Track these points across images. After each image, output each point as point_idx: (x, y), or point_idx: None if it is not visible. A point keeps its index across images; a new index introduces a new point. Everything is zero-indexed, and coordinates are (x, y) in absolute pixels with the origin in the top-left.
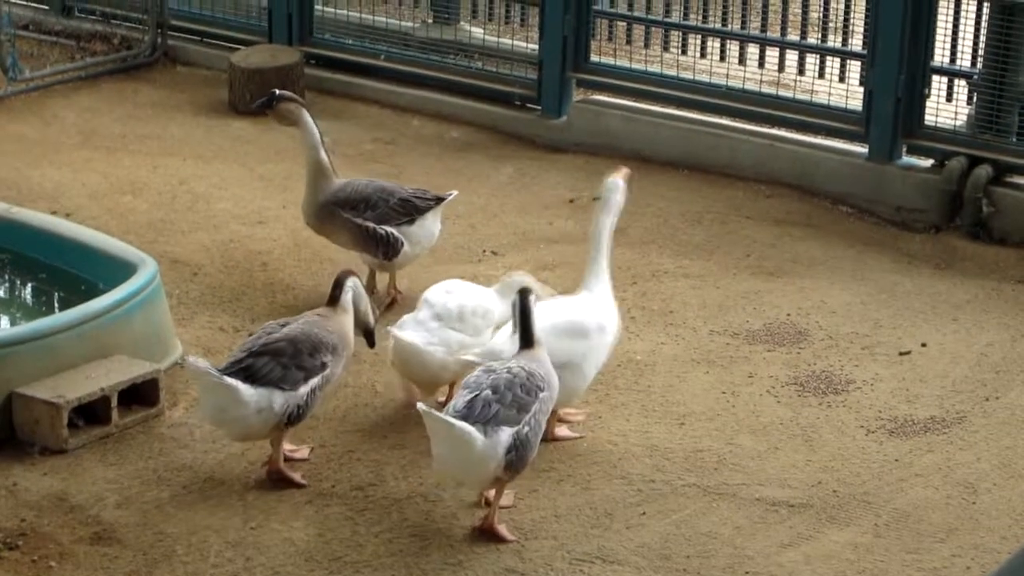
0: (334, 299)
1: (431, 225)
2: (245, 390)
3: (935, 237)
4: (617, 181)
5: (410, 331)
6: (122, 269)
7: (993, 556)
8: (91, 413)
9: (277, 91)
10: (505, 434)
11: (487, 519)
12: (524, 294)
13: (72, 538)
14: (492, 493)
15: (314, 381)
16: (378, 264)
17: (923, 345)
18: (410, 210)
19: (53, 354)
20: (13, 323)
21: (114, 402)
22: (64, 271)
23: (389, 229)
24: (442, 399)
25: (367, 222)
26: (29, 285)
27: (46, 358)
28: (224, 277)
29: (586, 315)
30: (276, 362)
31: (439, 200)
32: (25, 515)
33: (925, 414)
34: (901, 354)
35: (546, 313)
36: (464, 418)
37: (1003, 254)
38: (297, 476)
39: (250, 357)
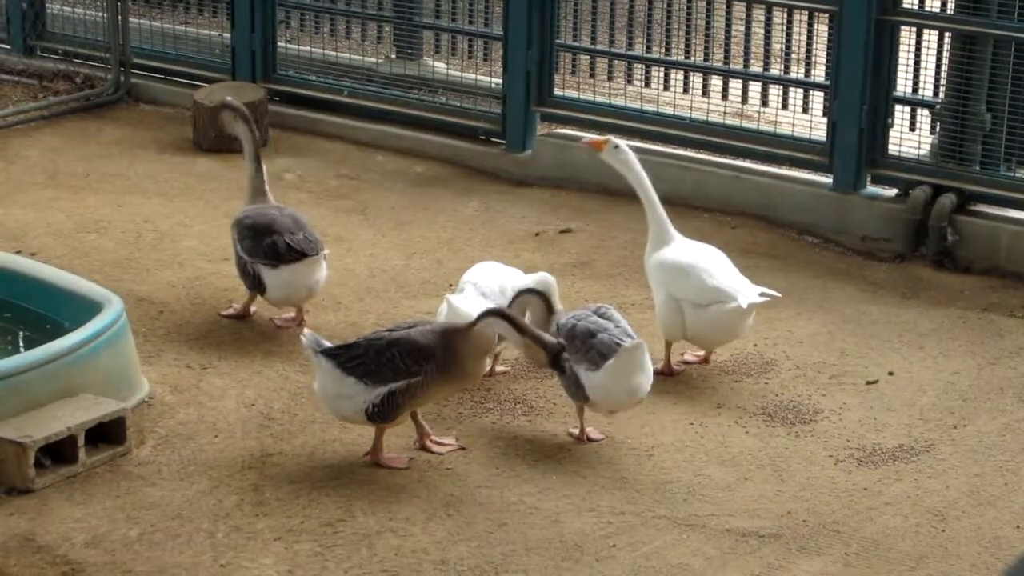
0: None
1: (292, 277)
2: (330, 371)
3: (900, 266)
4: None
5: (466, 302)
6: (88, 308)
7: None
8: (57, 452)
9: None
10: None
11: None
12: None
13: None
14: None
15: (396, 385)
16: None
17: (890, 374)
18: (272, 255)
19: (19, 393)
20: None
21: (81, 441)
22: (29, 310)
23: (258, 267)
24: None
25: (241, 251)
26: None
27: (12, 397)
28: (190, 314)
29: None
30: (367, 357)
31: (301, 256)
32: None
33: (893, 443)
34: (868, 383)
35: (713, 262)
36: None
37: (968, 282)
38: (399, 462)
39: (351, 347)
